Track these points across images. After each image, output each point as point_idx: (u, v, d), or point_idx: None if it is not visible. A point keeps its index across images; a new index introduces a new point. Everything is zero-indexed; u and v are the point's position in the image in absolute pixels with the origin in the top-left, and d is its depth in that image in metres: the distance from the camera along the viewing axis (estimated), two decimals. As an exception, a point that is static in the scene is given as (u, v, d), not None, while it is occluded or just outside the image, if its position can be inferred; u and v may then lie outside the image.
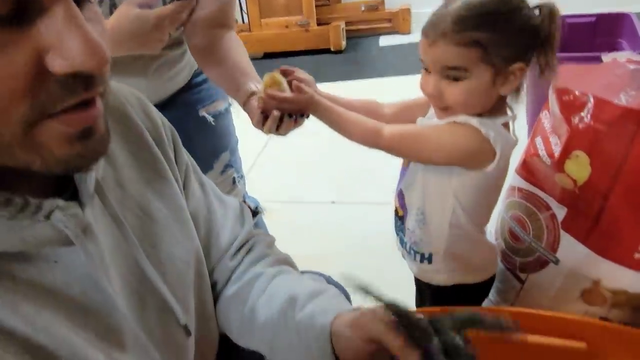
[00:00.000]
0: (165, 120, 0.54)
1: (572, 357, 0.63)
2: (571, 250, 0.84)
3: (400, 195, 0.82)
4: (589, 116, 0.79)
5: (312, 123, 0.75)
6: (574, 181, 0.81)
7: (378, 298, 0.43)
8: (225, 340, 0.59)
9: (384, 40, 3.04)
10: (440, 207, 0.76)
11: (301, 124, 0.74)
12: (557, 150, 0.84)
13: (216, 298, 0.57)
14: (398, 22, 3.06)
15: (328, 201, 1.67)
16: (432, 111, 0.76)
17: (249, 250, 0.59)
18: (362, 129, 0.71)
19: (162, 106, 0.91)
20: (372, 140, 0.71)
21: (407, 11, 3.02)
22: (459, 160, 0.70)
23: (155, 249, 0.46)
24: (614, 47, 1.52)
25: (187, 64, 0.95)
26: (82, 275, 0.37)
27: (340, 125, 0.72)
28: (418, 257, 0.82)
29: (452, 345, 0.39)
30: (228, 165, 1.02)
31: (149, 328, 0.44)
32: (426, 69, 0.70)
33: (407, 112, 0.80)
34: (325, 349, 0.47)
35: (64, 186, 0.38)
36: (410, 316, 0.41)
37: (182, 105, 0.95)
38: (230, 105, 1.02)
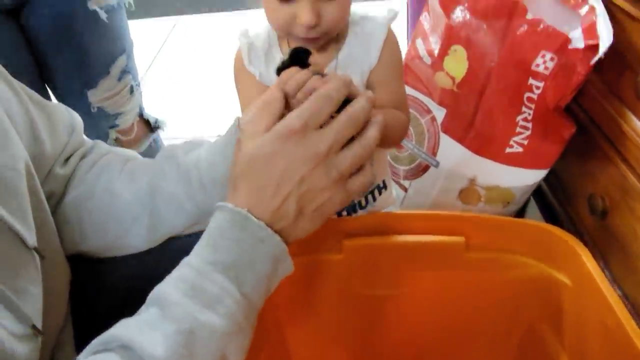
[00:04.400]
0: None
1: (451, 252, 0.63)
2: (450, 152, 0.85)
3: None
4: (466, 9, 0.76)
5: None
6: (453, 79, 0.80)
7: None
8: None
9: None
10: None
11: None
12: (436, 48, 0.82)
13: (55, 210, 0.49)
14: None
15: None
16: None
17: (83, 156, 0.52)
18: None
19: None
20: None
21: None
22: None
23: None
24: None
25: None
26: None
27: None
28: None
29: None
30: (125, 72, 0.90)
31: None
32: None
33: None
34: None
35: None
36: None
37: None
38: None
